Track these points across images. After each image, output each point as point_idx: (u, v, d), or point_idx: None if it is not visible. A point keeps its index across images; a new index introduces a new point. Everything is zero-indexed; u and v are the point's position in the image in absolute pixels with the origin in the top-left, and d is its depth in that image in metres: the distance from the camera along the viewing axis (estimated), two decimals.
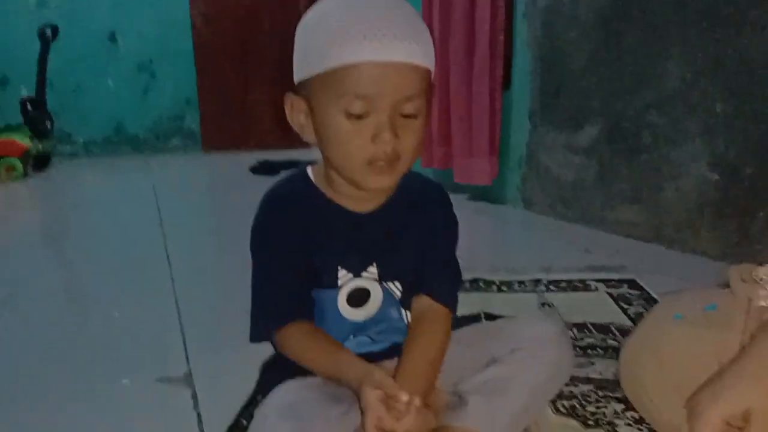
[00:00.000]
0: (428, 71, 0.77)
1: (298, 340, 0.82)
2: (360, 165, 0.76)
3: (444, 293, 0.87)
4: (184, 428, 0.97)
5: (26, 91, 4.15)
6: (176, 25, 4.68)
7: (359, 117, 0.74)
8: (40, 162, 3.91)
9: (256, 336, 0.86)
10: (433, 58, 0.78)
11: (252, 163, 3.81)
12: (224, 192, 3.35)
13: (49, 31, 3.95)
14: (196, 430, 0.97)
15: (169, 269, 1.85)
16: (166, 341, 1.33)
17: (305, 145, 0.84)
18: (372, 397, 0.70)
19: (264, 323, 0.85)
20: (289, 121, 0.82)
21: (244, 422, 0.95)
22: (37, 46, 3.97)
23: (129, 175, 4.01)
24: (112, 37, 4.68)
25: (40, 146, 3.88)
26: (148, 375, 1.16)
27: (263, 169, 3.65)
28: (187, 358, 1.24)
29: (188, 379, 1.14)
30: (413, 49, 0.73)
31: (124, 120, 4.78)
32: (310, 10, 0.78)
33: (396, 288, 0.87)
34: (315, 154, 0.84)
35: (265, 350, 0.92)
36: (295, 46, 0.79)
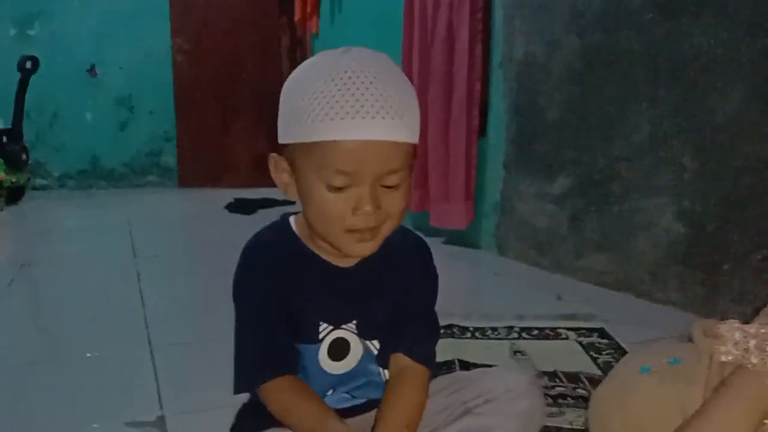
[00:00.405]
0: (412, 145, 0.77)
1: (282, 398, 0.82)
2: (340, 233, 0.77)
3: (421, 352, 0.87)
4: None
5: (2, 123, 4.13)
6: (157, 60, 4.72)
7: (340, 188, 0.74)
8: (13, 195, 3.87)
9: (239, 389, 0.85)
10: (417, 131, 0.78)
11: (228, 200, 3.82)
12: (200, 228, 3.35)
13: (29, 64, 3.95)
14: None
15: (142, 308, 1.84)
16: (138, 383, 1.32)
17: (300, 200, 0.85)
18: None
19: (248, 377, 0.84)
20: (273, 179, 0.83)
21: None
22: (15, 77, 3.96)
23: (103, 210, 3.98)
24: (93, 70, 4.70)
25: (14, 179, 3.84)
26: (119, 419, 1.15)
27: (238, 207, 3.66)
28: (159, 401, 1.23)
29: (161, 424, 1.13)
30: (396, 126, 0.73)
31: (101, 154, 4.77)
32: (295, 72, 0.79)
33: (373, 345, 0.87)
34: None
35: (240, 395, 0.93)
36: (280, 108, 0.79)
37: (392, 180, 0.75)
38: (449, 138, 2.51)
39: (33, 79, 4.01)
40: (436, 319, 0.92)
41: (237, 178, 4.69)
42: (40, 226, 3.36)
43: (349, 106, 0.71)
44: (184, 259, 2.80)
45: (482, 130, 2.51)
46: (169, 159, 4.89)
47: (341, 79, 0.72)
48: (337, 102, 0.71)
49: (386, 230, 0.79)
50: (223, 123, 4.84)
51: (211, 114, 4.81)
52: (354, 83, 0.72)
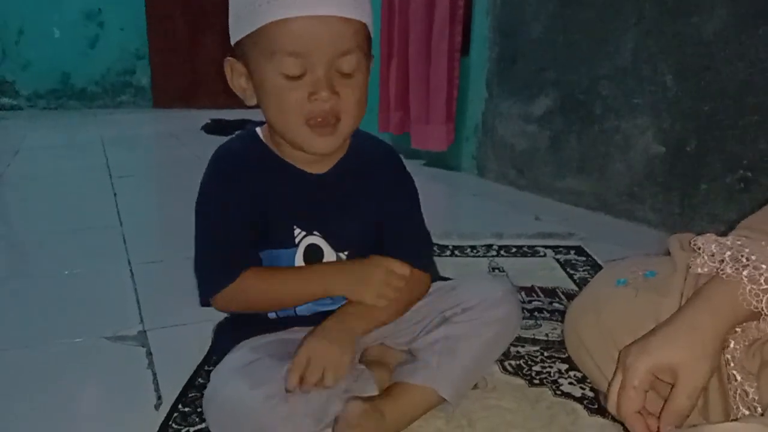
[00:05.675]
0: (363, 25, 0.75)
1: (260, 276, 0.82)
2: (298, 125, 0.75)
3: (423, 262, 0.90)
4: (140, 387, 0.98)
5: None
6: None
7: (295, 77, 0.73)
8: None
9: (204, 298, 0.85)
10: (369, 11, 0.76)
11: (204, 121, 3.74)
12: (176, 149, 3.29)
13: None
14: (152, 389, 0.97)
15: (120, 226, 1.83)
16: (118, 299, 1.32)
17: (258, 105, 0.83)
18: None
19: (210, 283, 0.84)
20: (231, 86, 0.81)
21: (200, 381, 0.96)
22: None
23: (77, 130, 3.88)
24: None
25: None
26: (101, 334, 1.15)
27: (216, 128, 3.59)
28: (140, 316, 1.23)
29: (142, 338, 1.14)
30: (342, 1, 0.71)
31: (71, 72, 4.61)
32: None
33: (342, 255, 0.88)
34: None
35: (218, 312, 0.93)
36: (230, 5, 0.77)
37: (347, 64, 0.74)
38: (431, 56, 2.45)
39: None
40: (426, 230, 0.94)
41: (213, 98, 4.58)
42: (10, 146, 3.27)
43: None
44: (161, 179, 2.76)
45: (465, 49, 2.46)
46: (143, 78, 4.75)
47: None
48: None
49: (346, 126, 0.77)
50: (197, 39, 4.67)
51: (184, 29, 4.65)
52: None
